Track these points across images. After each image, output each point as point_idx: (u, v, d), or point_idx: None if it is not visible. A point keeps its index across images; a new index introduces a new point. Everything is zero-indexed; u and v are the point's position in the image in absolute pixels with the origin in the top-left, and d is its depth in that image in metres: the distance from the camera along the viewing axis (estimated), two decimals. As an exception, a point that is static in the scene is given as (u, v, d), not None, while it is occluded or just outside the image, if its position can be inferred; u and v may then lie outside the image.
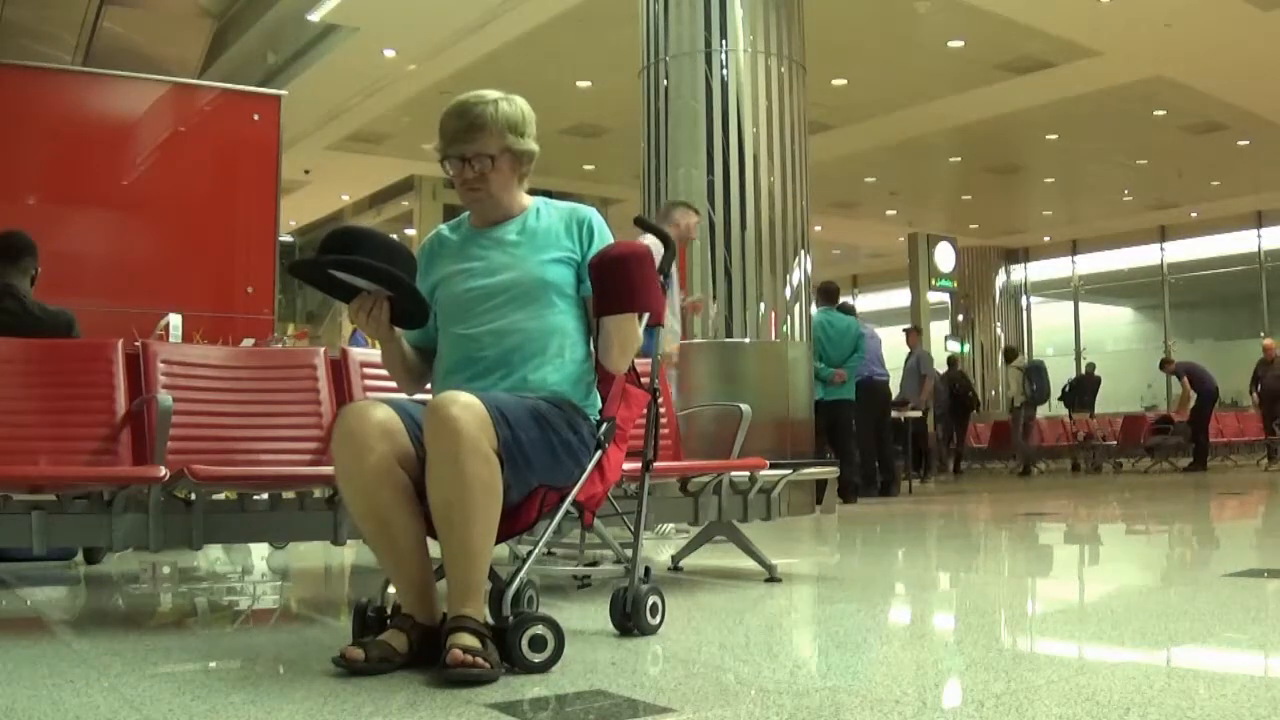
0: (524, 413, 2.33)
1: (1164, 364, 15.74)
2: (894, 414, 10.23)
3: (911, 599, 3.66)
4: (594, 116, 13.38)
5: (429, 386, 2.65)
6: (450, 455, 2.17)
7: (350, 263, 2.37)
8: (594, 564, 3.34)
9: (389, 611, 2.39)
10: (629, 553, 2.75)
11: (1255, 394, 14.80)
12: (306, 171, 15.61)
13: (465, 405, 2.20)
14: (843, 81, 12.15)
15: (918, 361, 11.96)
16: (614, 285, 2.57)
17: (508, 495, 2.26)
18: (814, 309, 8.76)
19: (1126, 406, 18.04)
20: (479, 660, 2.09)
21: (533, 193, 2.71)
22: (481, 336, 2.51)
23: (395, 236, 2.78)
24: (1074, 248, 21.67)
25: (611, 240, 2.66)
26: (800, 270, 7.35)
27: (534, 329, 2.51)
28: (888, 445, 9.98)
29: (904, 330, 12.75)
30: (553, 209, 2.67)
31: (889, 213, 19.20)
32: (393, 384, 2.78)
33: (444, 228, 2.75)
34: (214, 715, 1.93)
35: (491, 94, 2.57)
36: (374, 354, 3.54)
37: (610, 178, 15.52)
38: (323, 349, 3.85)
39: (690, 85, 7.25)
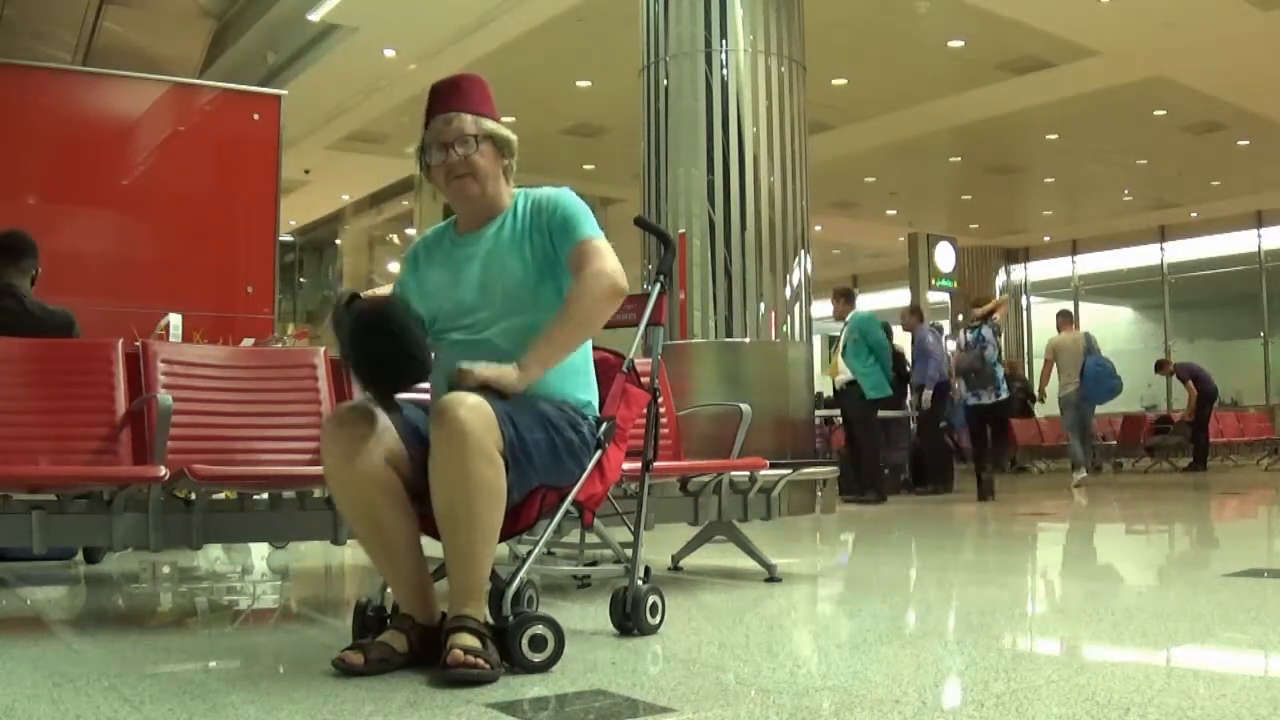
0: (529, 414, 2.33)
1: (1160, 366, 15.66)
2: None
3: (911, 599, 3.66)
4: (594, 116, 13.35)
5: (425, 386, 2.58)
6: (457, 457, 2.17)
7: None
8: (594, 564, 3.34)
9: (389, 611, 2.39)
10: (629, 553, 2.75)
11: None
12: (306, 171, 15.58)
13: (473, 407, 2.20)
14: (843, 81, 12.13)
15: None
16: None
17: (509, 496, 2.26)
18: (854, 312, 9.16)
19: (1126, 406, 17.99)
20: (479, 660, 2.09)
21: None
22: (475, 343, 2.49)
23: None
24: (1074, 248, 21.64)
25: (577, 206, 2.55)
26: (800, 270, 7.35)
27: (523, 334, 2.47)
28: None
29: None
30: (527, 201, 2.61)
31: (889, 213, 19.19)
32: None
33: (429, 234, 2.74)
34: (214, 715, 1.93)
35: None
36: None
37: (610, 178, 15.48)
38: (323, 349, 3.84)
39: (690, 85, 7.25)
